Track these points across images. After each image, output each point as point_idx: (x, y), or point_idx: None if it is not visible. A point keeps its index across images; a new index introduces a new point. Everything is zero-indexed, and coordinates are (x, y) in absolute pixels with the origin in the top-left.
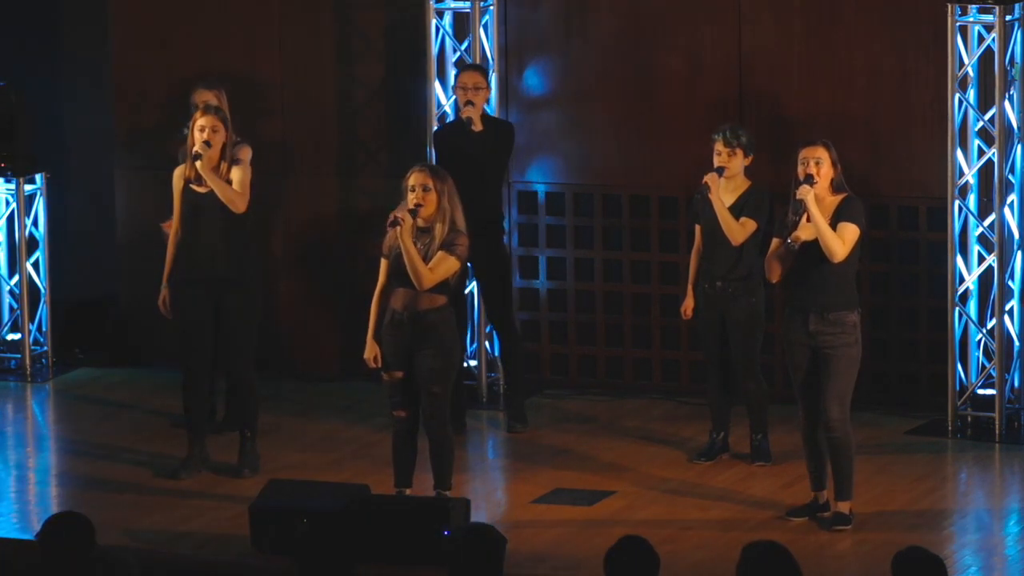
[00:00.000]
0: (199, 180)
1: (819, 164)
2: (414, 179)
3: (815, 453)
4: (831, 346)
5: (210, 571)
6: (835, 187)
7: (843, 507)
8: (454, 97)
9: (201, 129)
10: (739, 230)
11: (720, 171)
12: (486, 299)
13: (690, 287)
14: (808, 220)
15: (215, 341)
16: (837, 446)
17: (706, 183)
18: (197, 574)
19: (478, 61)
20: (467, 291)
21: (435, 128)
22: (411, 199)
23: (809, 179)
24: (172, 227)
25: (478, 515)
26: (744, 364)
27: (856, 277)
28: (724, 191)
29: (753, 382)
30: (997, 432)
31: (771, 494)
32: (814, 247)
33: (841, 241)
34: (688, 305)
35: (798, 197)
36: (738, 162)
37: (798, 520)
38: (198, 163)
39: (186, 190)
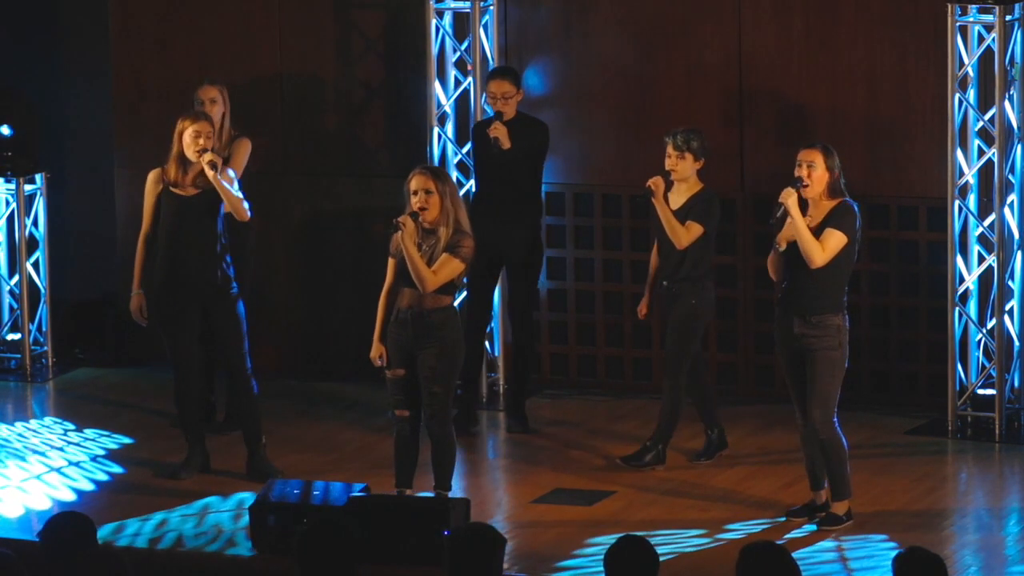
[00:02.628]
0: (181, 184)
1: (811, 168)
2: (416, 183)
3: (810, 453)
4: (813, 349)
5: (210, 571)
6: (830, 192)
7: (838, 508)
8: (455, 96)
9: (196, 135)
10: (684, 234)
11: (668, 174)
12: (511, 296)
13: (648, 286)
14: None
15: (206, 345)
16: (825, 448)
17: (649, 186)
18: (197, 574)
19: (478, 61)
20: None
21: (476, 120)
22: (414, 203)
23: (798, 181)
24: (142, 232)
25: (478, 515)
26: (668, 362)
27: (854, 279)
28: (674, 194)
29: (670, 381)
30: (997, 432)
31: (771, 494)
32: (798, 250)
33: (820, 247)
34: (643, 304)
35: (779, 199)
36: (687, 166)
37: (798, 520)
38: (211, 173)
39: (167, 195)
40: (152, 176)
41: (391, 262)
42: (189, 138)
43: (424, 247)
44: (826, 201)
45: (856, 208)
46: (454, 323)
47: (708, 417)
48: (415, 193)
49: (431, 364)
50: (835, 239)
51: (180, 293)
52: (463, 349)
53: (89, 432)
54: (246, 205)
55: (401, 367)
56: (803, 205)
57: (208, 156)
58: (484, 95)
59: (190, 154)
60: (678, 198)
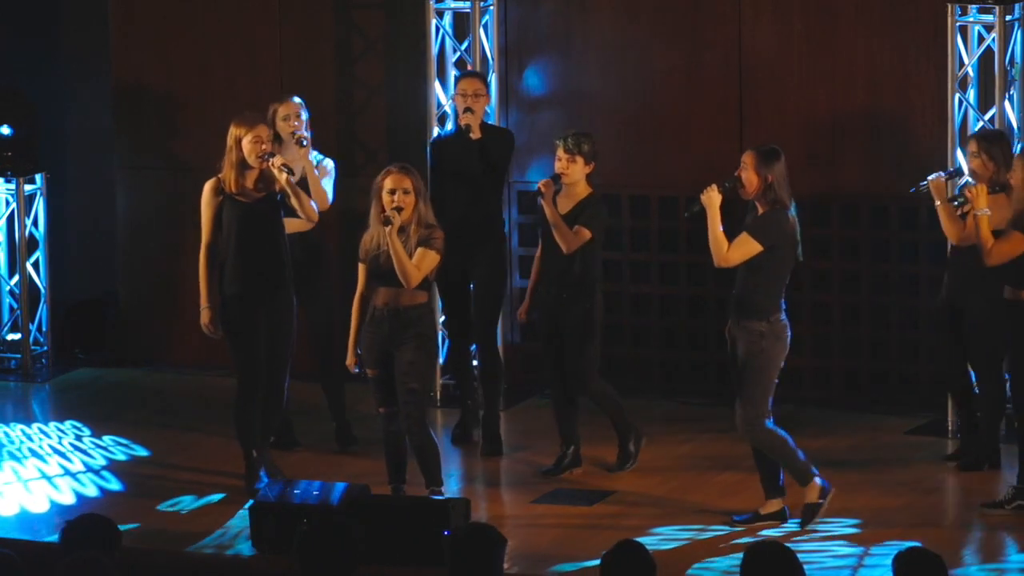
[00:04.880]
0: (243, 191)
1: (744, 169)
2: (392, 182)
3: (756, 457)
4: (740, 353)
5: (210, 571)
6: (761, 197)
7: (809, 494)
8: (452, 103)
9: (257, 140)
10: (571, 238)
11: (557, 177)
12: (476, 310)
13: (530, 289)
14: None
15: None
16: (753, 448)
17: (539, 189)
18: (197, 574)
19: (478, 61)
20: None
21: (433, 136)
22: (388, 202)
23: (735, 180)
24: (204, 244)
25: (478, 515)
26: (578, 373)
27: (854, 278)
28: (563, 197)
29: (591, 391)
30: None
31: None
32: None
33: (724, 249)
34: (523, 307)
35: (701, 195)
36: (577, 169)
37: (761, 524)
38: (284, 177)
39: (231, 205)
40: (209, 187)
41: (361, 267)
42: (250, 145)
43: None
44: (759, 206)
45: (784, 218)
46: (430, 319)
47: (566, 433)
48: (391, 192)
49: (409, 359)
50: (744, 246)
51: (253, 300)
52: (438, 346)
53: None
54: (314, 205)
55: (376, 366)
56: (747, 206)
57: (279, 160)
58: (453, 97)
59: (252, 161)
60: (567, 202)
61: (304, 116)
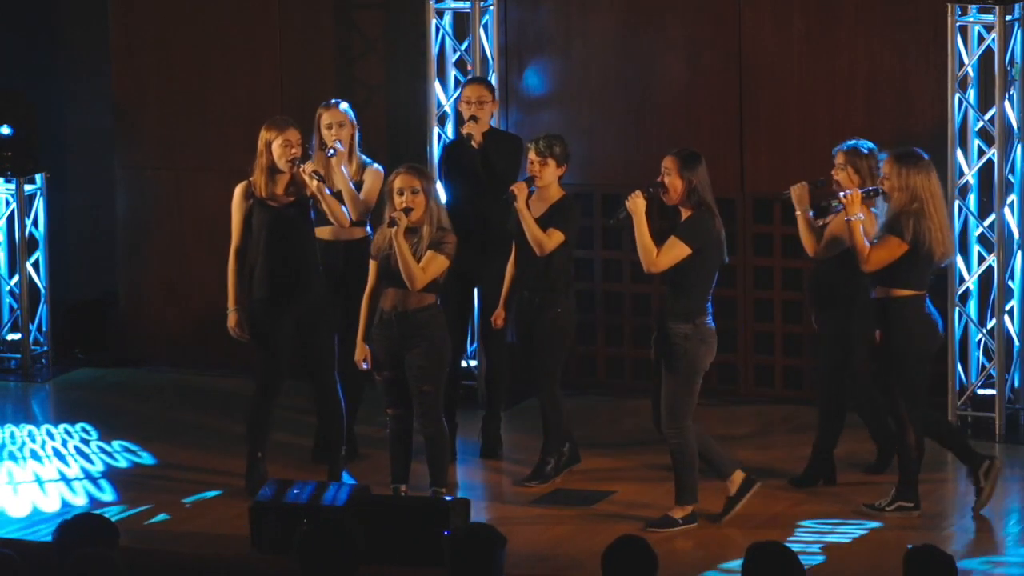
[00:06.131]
0: (273, 195)
1: (667, 174)
2: (401, 182)
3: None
4: (663, 357)
5: (210, 571)
6: (684, 201)
7: (675, 512)
8: (455, 96)
9: (287, 144)
10: (545, 241)
11: (530, 180)
12: (484, 317)
13: (504, 292)
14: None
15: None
16: (672, 454)
17: (512, 192)
18: (197, 574)
19: (478, 61)
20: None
21: (445, 142)
22: (399, 202)
23: (654, 185)
24: (233, 247)
25: (478, 515)
26: (539, 376)
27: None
28: (535, 200)
29: (546, 394)
30: (997, 432)
31: (770, 494)
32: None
33: (653, 255)
34: (498, 311)
35: (626, 201)
36: (550, 172)
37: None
38: (314, 184)
39: (260, 208)
40: (240, 190)
41: (372, 264)
42: (280, 149)
43: (407, 245)
44: (684, 210)
45: (710, 220)
46: (439, 321)
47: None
48: (400, 193)
49: (419, 363)
50: (674, 250)
51: (280, 305)
52: (450, 346)
53: (89, 432)
54: (345, 210)
55: (388, 368)
56: (671, 211)
57: (310, 166)
58: (457, 103)
59: (282, 165)
60: (540, 205)
61: (349, 123)
